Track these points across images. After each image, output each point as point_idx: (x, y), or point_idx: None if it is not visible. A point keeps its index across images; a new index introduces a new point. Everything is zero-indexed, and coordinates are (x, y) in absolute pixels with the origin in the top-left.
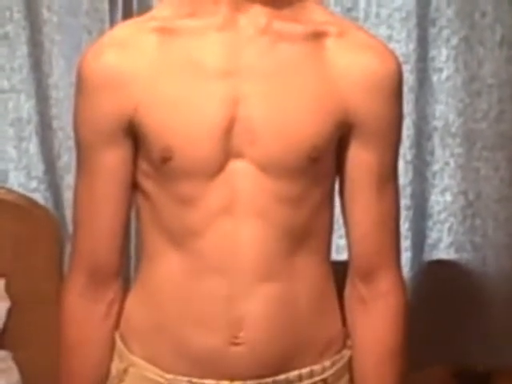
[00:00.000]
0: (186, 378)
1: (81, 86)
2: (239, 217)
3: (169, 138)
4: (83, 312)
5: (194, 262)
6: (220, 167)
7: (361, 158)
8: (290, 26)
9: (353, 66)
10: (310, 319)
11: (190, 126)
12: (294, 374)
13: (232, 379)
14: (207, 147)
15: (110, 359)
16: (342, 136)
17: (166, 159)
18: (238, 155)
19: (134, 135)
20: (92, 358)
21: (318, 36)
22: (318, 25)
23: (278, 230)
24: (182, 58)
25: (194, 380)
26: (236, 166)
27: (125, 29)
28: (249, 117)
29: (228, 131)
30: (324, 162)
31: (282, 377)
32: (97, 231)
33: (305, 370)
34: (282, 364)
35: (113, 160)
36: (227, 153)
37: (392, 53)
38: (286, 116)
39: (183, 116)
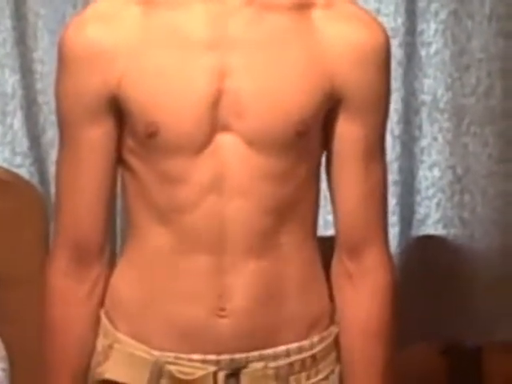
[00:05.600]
0: (172, 354)
1: (63, 60)
2: (226, 192)
3: (154, 112)
4: (67, 290)
5: (180, 238)
6: (207, 141)
7: (348, 132)
8: None
9: (340, 38)
10: (297, 294)
11: (175, 99)
12: (281, 348)
13: (219, 353)
14: (193, 121)
15: (95, 337)
16: (329, 109)
17: (151, 134)
18: (225, 128)
19: (118, 110)
20: (76, 336)
21: (304, 7)
22: None
23: (264, 206)
24: (166, 30)
25: (181, 355)
26: (223, 139)
27: (108, 1)
28: (236, 89)
29: (214, 104)
30: (311, 136)
31: (269, 351)
32: (80, 208)
33: (292, 346)
34: (269, 337)
35: (96, 135)
36: (214, 126)
37: (380, 25)
38: (273, 88)
39: (168, 89)
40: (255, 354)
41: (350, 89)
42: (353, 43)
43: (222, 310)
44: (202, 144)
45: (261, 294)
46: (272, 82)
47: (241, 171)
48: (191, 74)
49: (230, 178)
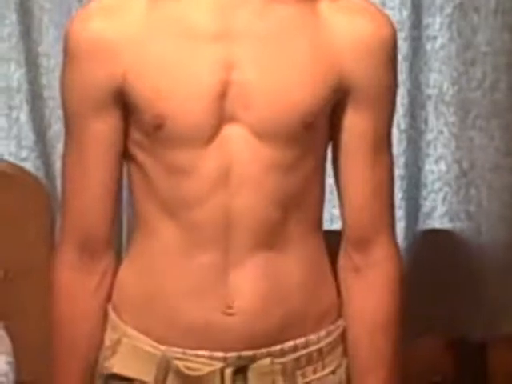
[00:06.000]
0: (179, 350)
1: (68, 54)
2: (233, 183)
3: (160, 103)
4: (74, 284)
5: (188, 232)
6: (214, 133)
7: (355, 125)
8: None
9: (347, 30)
10: (304, 289)
11: (182, 90)
12: (289, 344)
13: (226, 350)
14: (200, 112)
15: (102, 331)
16: (336, 102)
17: (158, 126)
18: (232, 120)
19: (124, 103)
20: (84, 331)
21: None
22: None
23: (271, 197)
24: (173, 21)
25: (188, 351)
26: (230, 131)
27: None
28: (243, 80)
29: (221, 95)
30: (318, 129)
31: (276, 347)
32: (87, 202)
33: (299, 341)
34: (276, 334)
35: (102, 128)
36: (221, 118)
37: (387, 17)
38: (280, 80)
39: (175, 81)
40: (263, 351)
41: (358, 81)
42: (360, 35)
43: (229, 307)
44: (209, 135)
45: (268, 289)
46: (279, 74)
47: (248, 162)
48: (198, 66)
49: (238, 169)
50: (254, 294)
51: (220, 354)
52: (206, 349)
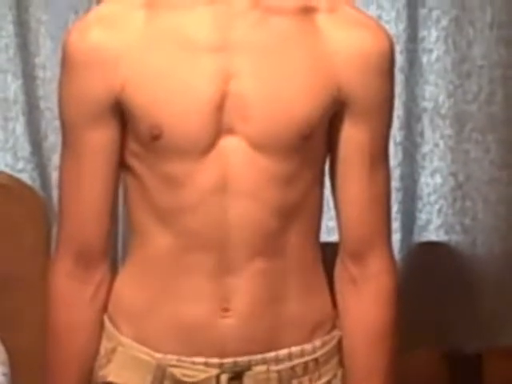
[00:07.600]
0: (175, 357)
1: (66, 64)
2: (230, 195)
3: (158, 114)
4: (70, 294)
5: (184, 241)
6: (211, 144)
7: (353, 137)
8: (280, 0)
9: (345, 43)
10: (299, 296)
11: (179, 101)
12: (283, 352)
13: (221, 356)
14: (198, 123)
15: (98, 341)
16: (334, 114)
17: (155, 137)
18: (230, 132)
19: (121, 114)
20: (79, 341)
21: (308, 11)
22: (307, 0)
23: (268, 208)
24: (171, 32)
25: (184, 358)
26: (227, 142)
27: (111, 5)
28: (241, 92)
29: (219, 107)
30: (316, 140)
31: (271, 354)
32: (83, 212)
33: (295, 349)
34: (271, 340)
35: (99, 139)
36: (218, 129)
37: (384, 30)
38: (278, 91)
39: (173, 92)
40: (258, 357)
41: (355, 93)
42: (358, 48)
43: (226, 311)
44: (206, 147)
45: (264, 296)
46: (277, 85)
47: (245, 174)
48: (196, 77)
49: (235, 180)
50: (249, 297)
51: (216, 361)
52: (201, 355)
